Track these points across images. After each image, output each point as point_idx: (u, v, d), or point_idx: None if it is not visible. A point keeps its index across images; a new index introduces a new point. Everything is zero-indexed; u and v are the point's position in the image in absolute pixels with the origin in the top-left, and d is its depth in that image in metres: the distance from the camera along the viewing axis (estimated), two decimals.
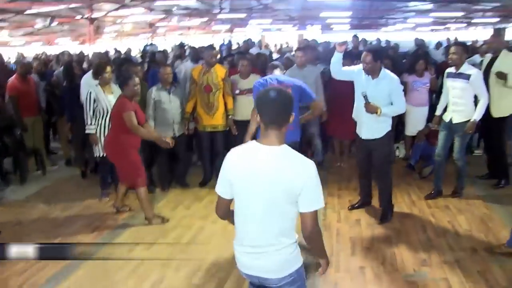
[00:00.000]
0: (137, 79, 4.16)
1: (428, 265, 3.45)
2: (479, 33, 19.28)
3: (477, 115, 4.31)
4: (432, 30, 25.84)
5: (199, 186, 5.38)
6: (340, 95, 5.22)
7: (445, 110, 4.64)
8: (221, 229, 4.01)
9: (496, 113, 4.72)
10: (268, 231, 1.94)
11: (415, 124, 5.74)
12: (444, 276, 3.28)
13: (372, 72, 3.93)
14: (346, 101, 4.65)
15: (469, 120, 4.35)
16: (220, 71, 5.05)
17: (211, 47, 5.45)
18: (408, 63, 6.33)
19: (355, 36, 7.36)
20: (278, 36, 22.47)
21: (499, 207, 4.48)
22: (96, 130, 4.68)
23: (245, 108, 5.29)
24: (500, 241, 3.69)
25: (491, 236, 3.88)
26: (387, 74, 3.97)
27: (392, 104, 3.92)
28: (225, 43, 13.28)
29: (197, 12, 17.82)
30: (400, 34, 25.95)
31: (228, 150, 2.06)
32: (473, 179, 5.16)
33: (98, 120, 4.68)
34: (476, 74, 4.31)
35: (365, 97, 3.89)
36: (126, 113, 3.96)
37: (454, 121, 4.46)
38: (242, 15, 18.58)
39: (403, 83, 5.74)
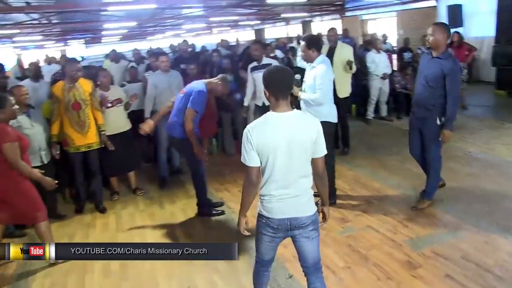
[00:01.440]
0: (12, 98, 3.52)
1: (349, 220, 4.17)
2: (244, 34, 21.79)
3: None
4: (196, 34, 27.92)
5: (76, 213, 4.92)
6: None
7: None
8: None
9: (341, 94, 5.73)
10: (300, 177, 2.39)
11: None
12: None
13: (309, 59, 4.11)
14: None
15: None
16: (86, 85, 4.61)
17: (74, 60, 4.90)
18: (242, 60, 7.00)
19: (185, 41, 7.65)
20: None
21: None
22: None
23: (116, 120, 5.04)
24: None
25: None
26: (324, 60, 4.10)
27: None
28: None
29: None
30: (169, 40, 27.34)
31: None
32: None
33: None
34: (275, 63, 5.37)
35: (298, 82, 4.23)
36: (7, 144, 3.30)
37: (267, 104, 5.30)
38: None
39: (240, 79, 6.40)
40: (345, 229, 4.03)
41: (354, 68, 5.86)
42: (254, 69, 5.54)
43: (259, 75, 5.28)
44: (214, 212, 4.64)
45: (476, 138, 6.42)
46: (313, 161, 2.42)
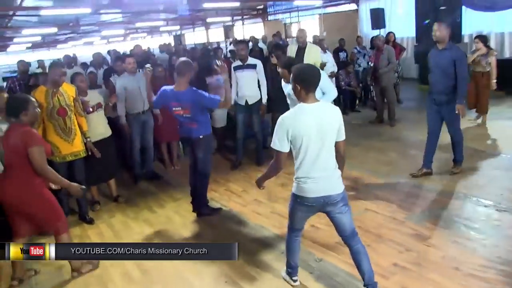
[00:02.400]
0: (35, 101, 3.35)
1: None
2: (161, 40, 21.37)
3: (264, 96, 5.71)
4: (108, 42, 26.89)
5: None
6: None
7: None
8: None
9: None
10: (331, 158, 2.75)
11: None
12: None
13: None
14: None
15: (260, 100, 5.70)
16: (70, 90, 4.40)
17: (57, 64, 4.59)
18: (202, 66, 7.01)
19: (138, 45, 7.50)
20: None
21: None
22: None
23: (98, 126, 4.86)
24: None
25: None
26: None
27: None
28: None
29: None
30: (80, 49, 26.04)
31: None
32: None
33: None
34: (259, 63, 5.65)
35: None
36: (35, 148, 3.11)
37: (250, 103, 5.70)
38: None
39: (206, 85, 6.47)
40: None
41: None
42: (237, 68, 5.65)
43: (243, 74, 5.44)
44: (214, 210, 4.68)
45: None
46: (336, 144, 2.78)
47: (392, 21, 11.95)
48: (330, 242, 3.69)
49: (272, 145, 2.74)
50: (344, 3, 14.09)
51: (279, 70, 4.41)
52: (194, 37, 22.48)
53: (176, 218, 4.71)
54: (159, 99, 4.33)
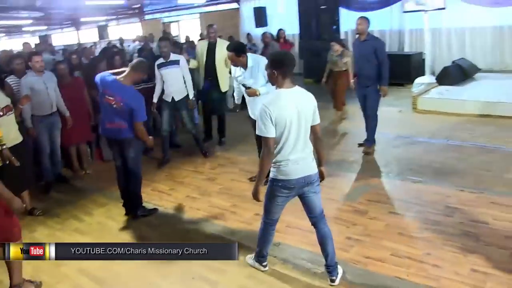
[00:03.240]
0: None
1: None
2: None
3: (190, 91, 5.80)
4: None
5: None
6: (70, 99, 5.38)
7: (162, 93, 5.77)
8: None
9: (224, 88, 6.28)
10: (307, 141, 2.90)
11: None
12: None
13: (241, 65, 4.47)
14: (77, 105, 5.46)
15: (187, 95, 5.76)
16: None
17: None
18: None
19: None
20: None
21: None
22: None
23: (9, 132, 4.31)
24: None
25: None
26: (253, 58, 4.51)
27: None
28: None
29: None
30: None
31: None
32: None
33: None
34: (183, 59, 5.72)
35: (244, 86, 4.54)
36: None
37: (177, 99, 5.72)
38: None
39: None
40: None
41: None
42: (161, 65, 5.52)
43: (167, 71, 5.34)
44: (150, 211, 4.54)
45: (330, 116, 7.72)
46: (313, 128, 2.94)
47: (275, 18, 12.61)
48: (280, 228, 3.82)
49: (258, 132, 2.79)
50: (225, 2, 14.41)
51: (228, 53, 4.45)
52: (63, 38, 20.81)
53: (110, 223, 4.44)
54: (98, 82, 4.14)
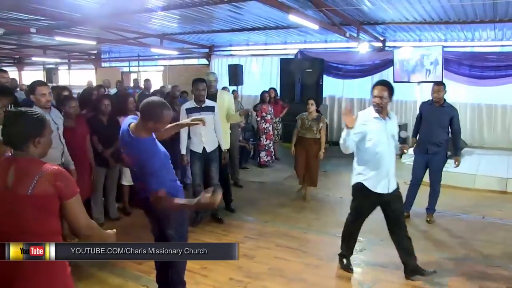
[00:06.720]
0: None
1: None
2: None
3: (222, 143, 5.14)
4: None
5: None
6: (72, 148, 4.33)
7: None
8: None
9: (227, 145, 5.37)
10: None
11: None
12: None
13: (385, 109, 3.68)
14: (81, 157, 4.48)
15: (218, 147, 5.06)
16: None
17: None
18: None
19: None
20: None
21: None
22: None
23: None
24: None
25: None
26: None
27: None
28: None
29: None
30: None
31: None
32: None
33: None
34: (217, 106, 5.02)
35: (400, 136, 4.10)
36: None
37: (208, 150, 4.96)
38: None
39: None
40: None
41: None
42: (193, 110, 4.81)
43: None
44: None
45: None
46: None
47: (249, 78, 12.25)
48: None
49: None
50: (194, 57, 13.97)
51: None
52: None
53: None
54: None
